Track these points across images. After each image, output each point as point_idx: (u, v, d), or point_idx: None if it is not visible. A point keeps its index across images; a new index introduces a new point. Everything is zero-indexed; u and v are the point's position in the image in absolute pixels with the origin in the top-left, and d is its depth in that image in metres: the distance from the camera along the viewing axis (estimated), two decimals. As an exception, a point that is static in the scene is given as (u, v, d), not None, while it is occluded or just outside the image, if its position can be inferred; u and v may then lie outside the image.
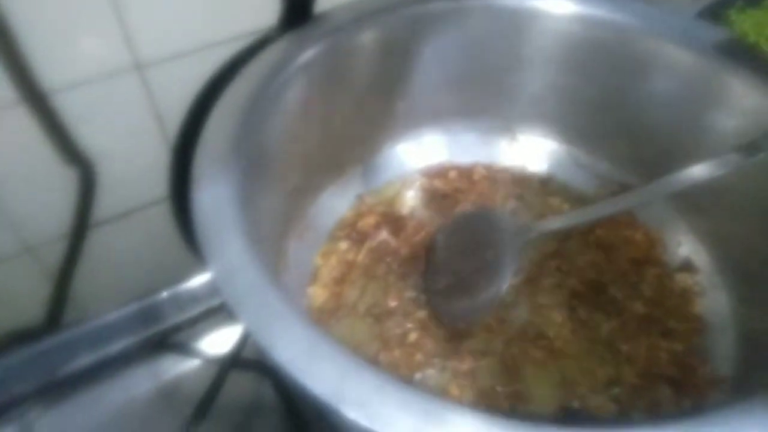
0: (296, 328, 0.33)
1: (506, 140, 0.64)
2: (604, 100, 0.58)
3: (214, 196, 0.39)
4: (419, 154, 0.63)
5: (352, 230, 0.56)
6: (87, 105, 0.47)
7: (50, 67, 0.44)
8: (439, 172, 0.61)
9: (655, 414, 0.46)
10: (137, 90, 0.49)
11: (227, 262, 0.35)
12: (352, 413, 0.30)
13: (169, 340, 0.57)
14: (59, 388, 0.53)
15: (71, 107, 0.46)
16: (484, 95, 0.62)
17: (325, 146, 0.56)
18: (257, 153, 0.45)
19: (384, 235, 0.55)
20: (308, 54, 0.49)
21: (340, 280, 0.52)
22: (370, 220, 0.56)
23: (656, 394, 0.47)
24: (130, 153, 0.52)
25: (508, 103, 0.63)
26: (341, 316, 0.50)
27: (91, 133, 0.49)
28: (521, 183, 0.61)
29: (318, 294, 0.52)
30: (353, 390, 0.30)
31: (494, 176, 0.60)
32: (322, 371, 0.31)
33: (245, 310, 0.33)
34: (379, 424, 0.29)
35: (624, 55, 0.54)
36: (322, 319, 0.50)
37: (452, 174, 0.60)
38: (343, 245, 0.55)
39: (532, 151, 0.63)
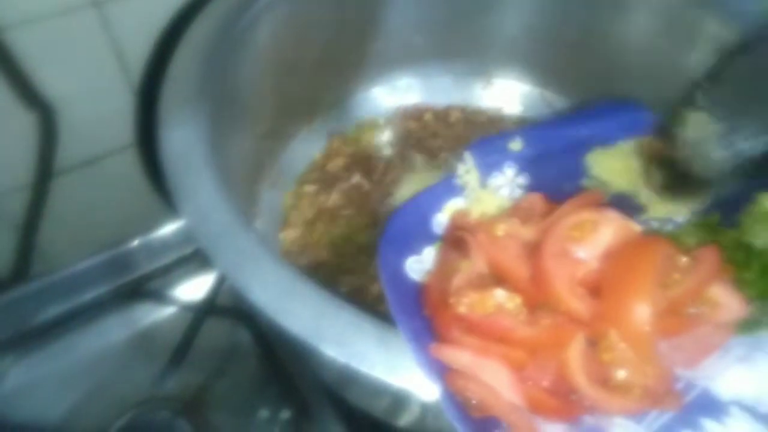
0: (271, 270, 0.32)
1: (481, 83, 0.63)
2: (578, 41, 0.57)
3: (182, 139, 0.37)
4: (393, 97, 0.62)
5: (322, 173, 0.55)
6: (42, 44, 0.45)
7: (1, 2, 0.41)
8: (413, 114, 0.60)
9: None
10: (96, 27, 0.46)
11: (199, 205, 0.34)
12: (329, 351, 0.30)
13: (142, 289, 0.56)
14: (32, 338, 0.52)
15: (26, 46, 0.44)
16: (459, 37, 0.60)
17: (297, 89, 0.54)
18: (225, 94, 0.44)
19: (356, 178, 0.55)
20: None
21: (311, 223, 0.52)
22: (339, 162, 0.55)
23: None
24: (92, 96, 0.50)
25: (482, 45, 0.61)
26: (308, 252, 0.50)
27: (49, 75, 0.47)
28: (498, 125, 0.60)
29: (289, 236, 0.52)
30: (330, 328, 0.30)
31: (470, 119, 0.60)
32: (298, 311, 0.31)
33: (219, 254, 0.33)
34: (356, 361, 0.29)
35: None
36: (291, 259, 0.50)
37: (428, 116, 0.60)
38: (313, 188, 0.54)
39: (507, 94, 0.63)
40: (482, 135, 0.58)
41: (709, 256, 0.33)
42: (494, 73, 0.62)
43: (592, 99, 0.55)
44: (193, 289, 0.56)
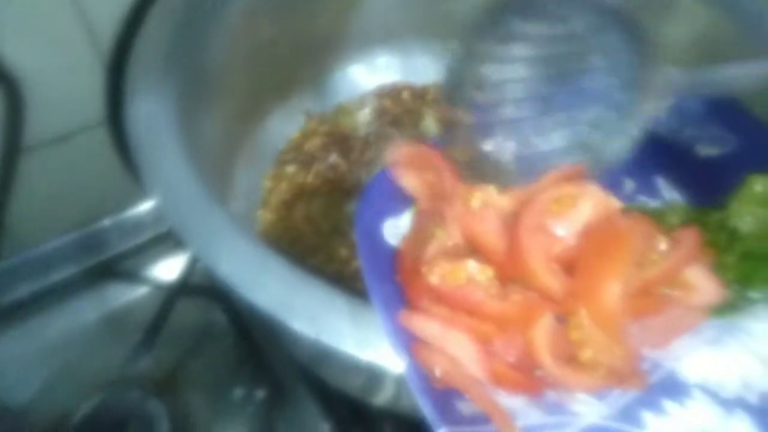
0: (241, 245, 0.32)
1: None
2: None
3: (149, 111, 0.37)
4: (372, 76, 0.61)
5: (299, 152, 0.54)
6: (7, 16, 0.43)
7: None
8: (391, 93, 0.59)
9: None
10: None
11: (166, 178, 0.34)
12: (299, 325, 0.29)
13: (114, 268, 0.55)
14: (1, 318, 0.51)
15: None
16: (439, 16, 0.60)
17: (273, 66, 0.53)
18: (196, 68, 0.43)
19: (334, 157, 0.54)
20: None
21: (290, 203, 0.51)
22: (316, 142, 0.55)
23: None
24: (61, 70, 0.49)
25: (462, 25, 0.61)
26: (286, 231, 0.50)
27: (15, 48, 0.45)
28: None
29: (266, 216, 0.51)
30: (300, 303, 0.30)
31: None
32: (268, 286, 0.30)
33: (187, 228, 0.32)
34: (326, 335, 0.29)
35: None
36: (269, 237, 0.49)
37: (405, 94, 0.59)
38: (291, 168, 0.54)
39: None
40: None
41: (689, 238, 0.32)
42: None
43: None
44: (167, 268, 0.56)
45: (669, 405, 0.30)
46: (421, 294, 0.31)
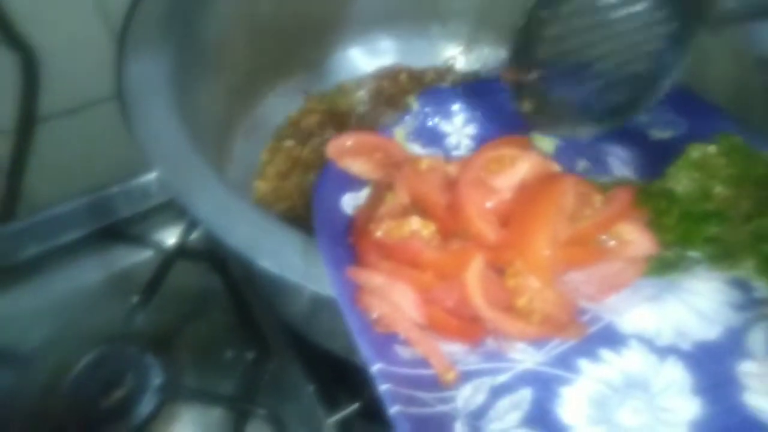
0: (218, 192, 0.34)
1: (460, 48, 0.64)
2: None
3: (142, 72, 0.39)
4: (371, 59, 0.63)
5: (297, 129, 0.57)
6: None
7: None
8: (389, 74, 0.61)
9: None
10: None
11: (152, 127, 0.36)
12: (264, 262, 0.31)
13: (119, 233, 0.58)
14: (13, 274, 0.55)
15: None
16: (437, 1, 0.62)
17: (273, 44, 0.56)
18: (195, 39, 0.46)
19: (330, 133, 0.56)
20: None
21: (285, 174, 0.54)
22: (313, 119, 0.57)
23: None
24: (74, 44, 0.52)
25: (462, 9, 0.62)
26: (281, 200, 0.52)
27: (31, 20, 0.48)
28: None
29: (262, 186, 0.53)
30: (267, 244, 0.32)
31: (444, 79, 0.61)
32: (239, 228, 0.33)
33: (170, 173, 0.35)
34: (288, 272, 0.31)
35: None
36: (265, 205, 0.52)
37: (402, 76, 0.61)
38: (289, 143, 0.56)
39: (486, 59, 0.64)
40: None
41: (622, 195, 0.34)
42: (473, 38, 0.63)
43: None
44: (169, 234, 0.58)
45: (605, 353, 0.31)
46: (369, 250, 0.33)
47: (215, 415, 0.49)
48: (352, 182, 0.39)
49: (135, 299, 0.54)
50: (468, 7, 0.62)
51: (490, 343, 0.32)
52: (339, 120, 0.57)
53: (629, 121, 0.41)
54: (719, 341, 0.32)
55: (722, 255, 0.33)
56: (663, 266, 0.33)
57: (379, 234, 0.33)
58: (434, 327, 0.31)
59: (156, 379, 0.50)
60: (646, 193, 0.35)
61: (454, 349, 0.31)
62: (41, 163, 0.57)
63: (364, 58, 0.63)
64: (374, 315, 0.31)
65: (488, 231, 0.32)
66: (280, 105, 0.59)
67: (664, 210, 0.34)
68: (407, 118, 0.43)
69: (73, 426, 0.47)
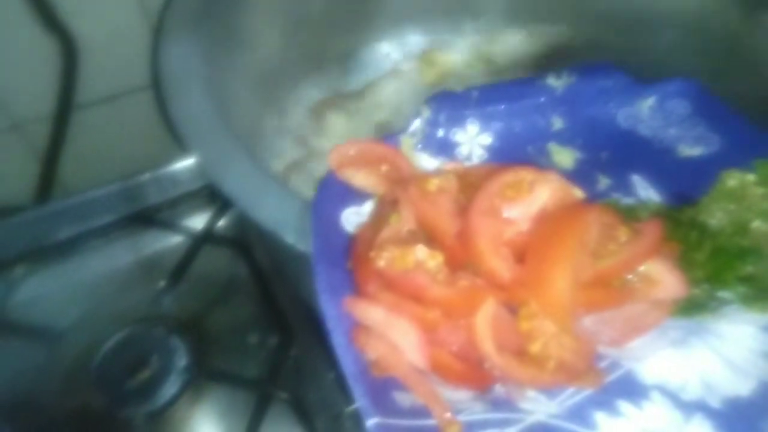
0: (249, 169, 0.35)
1: (488, 41, 0.64)
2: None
3: (179, 54, 0.40)
4: (401, 54, 0.63)
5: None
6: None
7: None
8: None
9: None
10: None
11: (187, 107, 0.37)
12: (291, 238, 0.32)
13: (150, 218, 0.60)
14: (46, 254, 0.57)
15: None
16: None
17: (305, 36, 0.57)
18: (228, 26, 0.47)
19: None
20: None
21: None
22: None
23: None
24: (112, 34, 0.54)
25: (493, 5, 0.63)
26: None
27: (70, 8, 0.50)
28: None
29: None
30: (296, 221, 0.33)
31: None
32: (269, 205, 0.33)
33: (202, 146, 0.36)
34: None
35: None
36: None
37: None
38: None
39: (515, 53, 0.64)
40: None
41: (652, 230, 0.30)
42: (501, 32, 0.63)
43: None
44: (197, 221, 0.60)
45: (624, 406, 0.28)
46: (369, 280, 0.30)
47: (238, 397, 0.49)
48: (354, 195, 0.35)
49: (163, 283, 0.55)
50: (499, 2, 0.62)
51: (499, 389, 0.29)
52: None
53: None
54: (752, 398, 0.28)
55: (757, 296, 0.30)
56: (691, 306, 0.30)
57: (381, 263, 0.29)
58: (437, 371, 0.28)
59: (181, 360, 0.50)
60: (675, 222, 0.32)
61: (458, 396, 0.28)
62: (77, 148, 0.59)
63: (394, 53, 0.63)
64: (371, 356, 0.28)
65: (502, 269, 0.29)
66: (309, 96, 0.59)
67: (695, 244, 0.31)
68: (416, 124, 0.39)
69: (99, 403, 0.48)
